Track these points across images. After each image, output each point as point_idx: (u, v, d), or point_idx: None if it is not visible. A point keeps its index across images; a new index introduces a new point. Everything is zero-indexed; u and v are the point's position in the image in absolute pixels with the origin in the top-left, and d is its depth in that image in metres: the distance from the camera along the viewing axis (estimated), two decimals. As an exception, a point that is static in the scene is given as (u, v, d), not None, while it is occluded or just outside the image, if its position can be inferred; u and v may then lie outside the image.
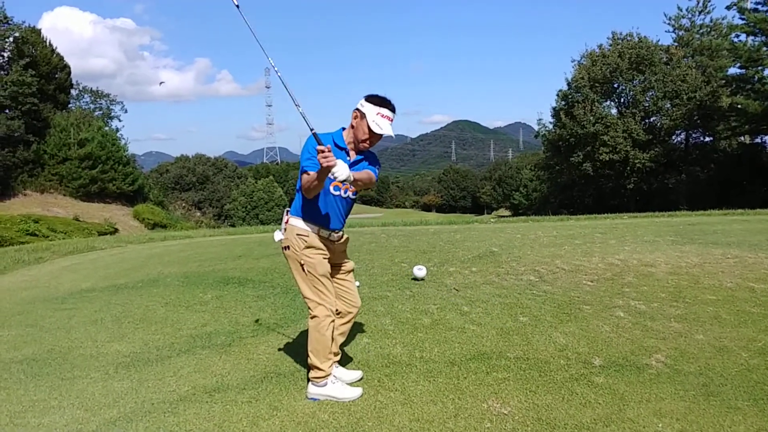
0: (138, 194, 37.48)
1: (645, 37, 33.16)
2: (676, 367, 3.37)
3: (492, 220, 11.09)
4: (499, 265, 6.29)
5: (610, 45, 33.87)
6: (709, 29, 33.84)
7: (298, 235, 3.03)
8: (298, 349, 3.83)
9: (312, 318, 3.04)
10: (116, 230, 29.05)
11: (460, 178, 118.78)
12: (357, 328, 4.21)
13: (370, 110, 2.96)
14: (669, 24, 35.38)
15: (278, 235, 3.16)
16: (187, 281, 6.18)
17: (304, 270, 3.03)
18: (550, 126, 36.67)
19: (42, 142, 33.87)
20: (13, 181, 31.64)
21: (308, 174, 2.83)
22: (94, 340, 4.24)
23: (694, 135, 33.63)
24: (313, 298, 3.04)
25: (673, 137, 33.67)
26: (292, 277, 3.16)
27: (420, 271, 5.67)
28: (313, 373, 3.04)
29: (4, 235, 20.86)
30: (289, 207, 3.16)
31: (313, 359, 3.02)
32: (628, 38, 33.37)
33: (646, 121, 32.66)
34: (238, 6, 2.82)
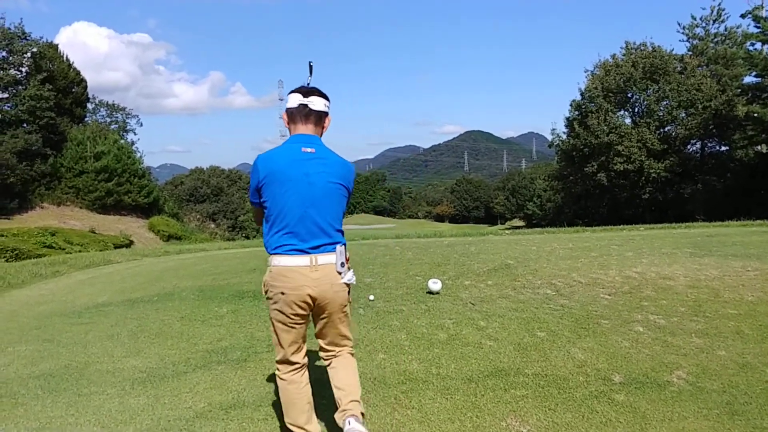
0: (153, 206, 37.86)
1: (659, 46, 33.03)
2: (699, 384, 3.30)
3: (507, 231, 11.01)
4: (515, 279, 6.23)
5: (624, 55, 33.75)
6: (723, 38, 33.57)
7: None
8: (310, 364, 3.81)
9: (353, 354, 2.76)
10: (131, 242, 29.34)
11: (473, 188, 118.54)
12: (372, 344, 4.19)
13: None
14: (683, 33, 35.22)
15: (351, 276, 2.58)
16: (202, 295, 6.20)
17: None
18: (564, 136, 36.54)
19: (59, 156, 34.41)
20: (30, 194, 32.14)
21: None
22: (110, 356, 4.26)
23: (709, 144, 33.29)
24: (352, 336, 2.75)
25: (689, 147, 33.36)
26: (345, 317, 2.66)
27: (435, 284, 5.64)
28: (361, 408, 2.60)
29: (22, 248, 21.13)
30: (335, 236, 2.56)
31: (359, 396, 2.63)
32: (642, 48, 33.23)
33: (661, 130, 32.41)
34: (311, 66, 2.70)
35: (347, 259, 2.57)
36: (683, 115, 30.89)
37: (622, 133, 31.23)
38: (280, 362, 2.64)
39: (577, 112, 34.57)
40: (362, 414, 2.56)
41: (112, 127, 45.12)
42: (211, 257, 9.69)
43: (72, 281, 8.13)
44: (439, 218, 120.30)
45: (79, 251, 23.02)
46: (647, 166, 30.56)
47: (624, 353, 3.91)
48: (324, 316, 2.57)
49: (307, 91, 2.59)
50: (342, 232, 2.59)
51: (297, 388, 2.60)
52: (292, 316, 2.49)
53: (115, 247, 25.79)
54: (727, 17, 33.47)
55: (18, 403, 3.40)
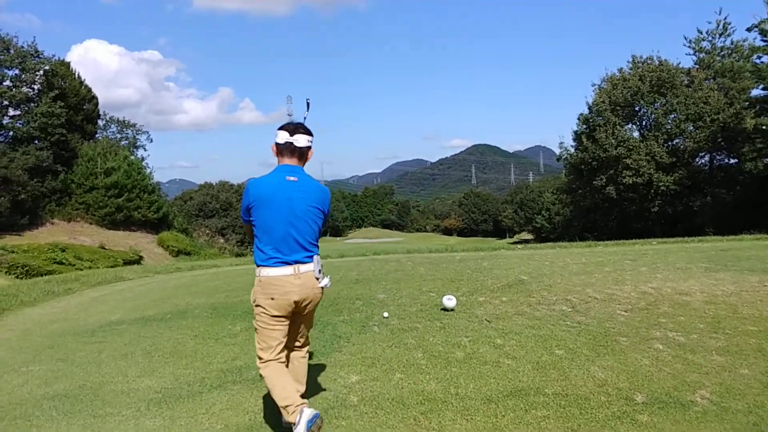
0: (162, 222, 38.00)
1: (665, 60, 33.02)
2: (723, 404, 3.23)
3: (519, 246, 10.96)
4: (530, 295, 6.18)
5: (631, 68, 33.76)
6: (730, 51, 33.48)
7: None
8: (328, 384, 3.78)
9: (308, 351, 3.37)
10: (141, 258, 29.41)
11: (480, 201, 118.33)
12: (389, 363, 4.14)
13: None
14: (689, 47, 35.12)
15: (327, 281, 3.12)
16: (215, 312, 6.18)
17: None
18: (572, 149, 36.48)
19: (69, 172, 34.67)
20: (41, 211, 32.35)
21: None
22: (124, 375, 4.23)
23: (718, 157, 33.10)
24: None
25: (697, 159, 33.18)
26: (312, 316, 3.28)
27: (450, 301, 5.59)
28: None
29: (32, 264, 21.24)
30: (312, 249, 3.10)
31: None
32: (649, 61, 33.23)
33: (669, 143, 32.31)
34: (308, 103, 3.49)
35: (321, 266, 3.11)
36: (691, 128, 30.77)
37: (631, 147, 31.15)
38: (265, 361, 3.02)
39: (585, 126, 34.54)
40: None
41: (123, 143, 45.49)
42: (223, 273, 9.68)
43: (84, 299, 8.13)
44: (447, 232, 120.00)
45: (89, 267, 23.09)
46: (656, 179, 30.43)
47: (645, 372, 3.84)
48: (304, 314, 3.13)
49: (293, 129, 3.09)
50: (317, 246, 3.13)
51: (281, 371, 3.01)
52: (279, 318, 2.99)
53: (125, 263, 25.89)
54: (733, 31, 33.40)
55: (33, 425, 3.38)
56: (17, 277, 20.44)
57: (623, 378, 3.74)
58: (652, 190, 31.04)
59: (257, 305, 3.02)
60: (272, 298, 2.94)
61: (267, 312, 2.97)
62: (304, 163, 3.15)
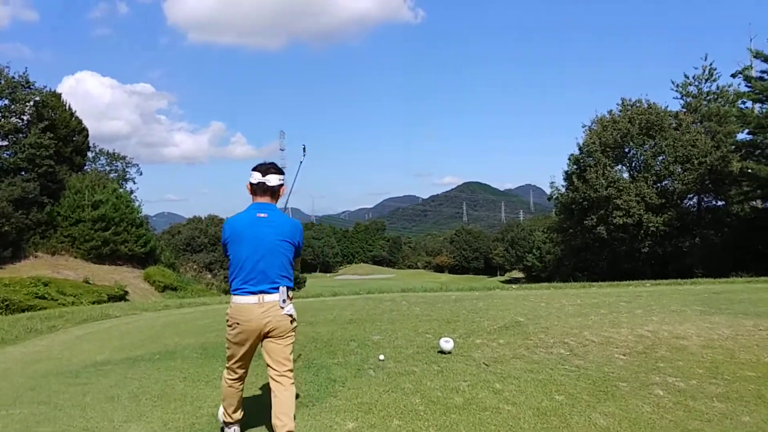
0: (150, 256, 37.56)
1: (654, 103, 33.72)
2: (729, 454, 3.16)
3: (513, 286, 10.91)
4: (527, 337, 6.10)
5: (620, 111, 34.43)
6: (716, 96, 34.33)
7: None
8: (324, 431, 3.65)
9: (293, 379, 3.42)
10: (126, 293, 28.91)
11: (472, 239, 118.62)
12: (386, 409, 4.03)
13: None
14: (676, 91, 35.93)
15: (290, 309, 3.40)
16: (205, 353, 6.02)
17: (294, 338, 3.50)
18: (563, 189, 36.83)
19: (56, 204, 34.27)
20: (24, 243, 31.76)
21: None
22: (110, 420, 4.07)
23: (706, 199, 33.52)
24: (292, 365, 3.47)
25: (686, 201, 33.59)
26: (286, 345, 3.41)
27: (447, 343, 5.50)
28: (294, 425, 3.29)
29: (13, 298, 20.71)
30: (279, 281, 3.38)
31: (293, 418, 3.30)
32: (638, 104, 33.92)
33: (658, 185, 32.72)
34: (304, 148, 4.21)
35: (290, 297, 3.43)
36: (679, 170, 31.21)
37: (621, 187, 31.51)
38: (228, 368, 3.52)
39: (575, 166, 34.96)
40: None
41: (112, 175, 45.22)
42: (212, 311, 9.49)
43: (68, 337, 7.92)
44: (439, 269, 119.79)
45: (72, 303, 22.62)
46: (646, 219, 30.70)
47: (646, 419, 3.78)
48: (270, 337, 3.35)
49: (265, 169, 3.44)
50: (288, 277, 3.41)
51: (233, 392, 3.54)
52: (242, 340, 3.35)
53: (110, 298, 25.40)
54: (719, 76, 34.29)
55: (14, 473, 3.22)
56: (-2, 311, 20.00)
57: (625, 425, 3.67)
58: (642, 231, 31.27)
59: (228, 325, 3.41)
60: (238, 323, 3.31)
61: (233, 333, 3.36)
62: (276, 200, 3.50)
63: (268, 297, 3.29)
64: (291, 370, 3.40)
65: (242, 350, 3.37)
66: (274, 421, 3.24)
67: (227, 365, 3.50)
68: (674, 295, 9.07)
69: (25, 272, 28.04)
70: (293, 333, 3.44)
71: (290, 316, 3.36)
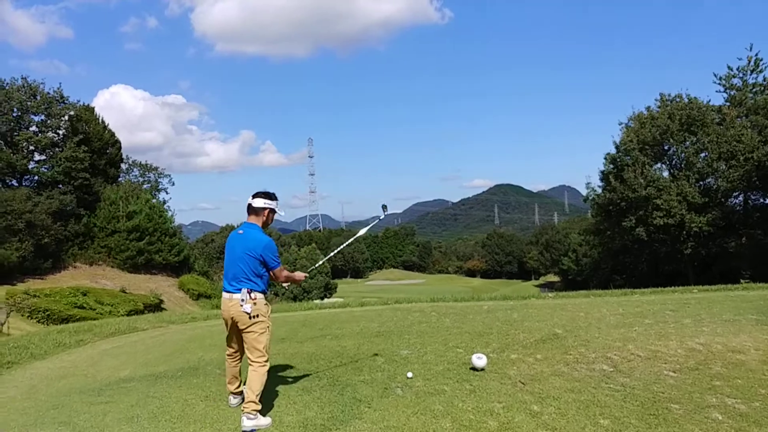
0: (183, 265, 38.05)
1: (695, 98, 32.43)
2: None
3: (550, 295, 10.44)
4: (566, 351, 5.69)
5: (659, 107, 33.29)
6: (762, 88, 32.63)
7: (265, 304, 4.30)
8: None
9: (262, 366, 4.17)
10: (161, 301, 29.31)
11: (504, 242, 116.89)
12: (414, 435, 3.72)
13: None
14: (719, 84, 34.11)
15: (248, 308, 4.15)
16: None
17: (268, 330, 4.29)
18: (600, 190, 35.81)
19: (92, 215, 35.10)
20: (64, 254, 32.61)
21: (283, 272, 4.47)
22: (126, 445, 3.87)
23: (753, 197, 31.97)
24: (267, 353, 4.24)
25: (731, 199, 32.11)
26: (252, 337, 4.19)
27: (480, 360, 5.14)
28: (252, 406, 4.00)
29: (53, 308, 21.21)
30: (243, 283, 4.22)
31: (256, 397, 4.04)
32: (677, 99, 32.73)
33: (701, 183, 31.47)
34: (385, 207, 5.43)
35: (253, 298, 4.20)
36: (724, 167, 29.83)
37: (661, 187, 30.42)
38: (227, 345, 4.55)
39: (612, 166, 33.96)
40: (254, 411, 4.02)
41: (145, 186, 46.01)
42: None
43: (95, 351, 7.84)
44: (471, 273, 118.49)
45: (110, 312, 23.01)
46: (688, 219, 29.53)
47: (706, 450, 3.37)
48: (239, 329, 4.28)
49: (255, 194, 4.36)
50: (253, 281, 4.23)
51: (228, 365, 4.57)
52: (225, 324, 4.41)
53: (145, 307, 25.79)
54: (765, 67, 32.43)
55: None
56: (39, 321, 20.42)
57: (682, 458, 3.28)
58: (684, 231, 30.11)
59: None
60: (221, 311, 4.38)
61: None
62: (261, 221, 4.37)
63: (234, 295, 4.21)
64: (261, 357, 4.18)
65: (228, 332, 4.42)
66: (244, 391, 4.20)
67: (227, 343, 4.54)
68: (725, 302, 8.46)
69: (65, 282, 28.71)
70: (258, 328, 4.19)
71: (247, 313, 4.13)
